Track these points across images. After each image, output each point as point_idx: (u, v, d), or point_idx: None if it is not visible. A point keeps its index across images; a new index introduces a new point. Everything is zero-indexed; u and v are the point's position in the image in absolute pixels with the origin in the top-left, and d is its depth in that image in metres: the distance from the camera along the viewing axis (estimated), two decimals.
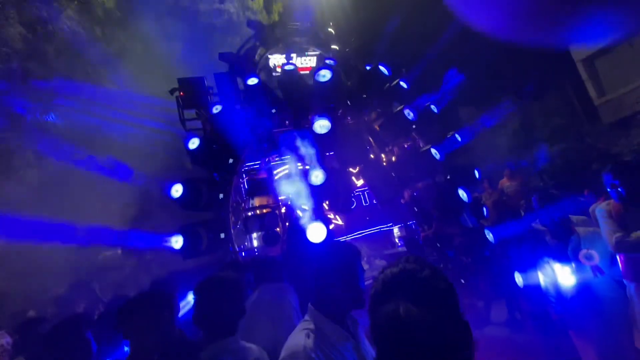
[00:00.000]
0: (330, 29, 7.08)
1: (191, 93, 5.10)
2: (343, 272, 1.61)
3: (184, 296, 3.83)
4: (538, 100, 12.50)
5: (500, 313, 5.09)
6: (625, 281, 2.63)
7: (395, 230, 5.99)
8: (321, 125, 4.41)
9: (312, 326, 1.54)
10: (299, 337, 1.50)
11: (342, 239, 5.22)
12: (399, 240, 6.04)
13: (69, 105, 8.97)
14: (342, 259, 1.64)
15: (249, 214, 4.64)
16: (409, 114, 4.71)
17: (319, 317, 1.58)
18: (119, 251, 15.12)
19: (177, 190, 4.18)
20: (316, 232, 3.85)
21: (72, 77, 8.87)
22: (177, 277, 4.24)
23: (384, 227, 5.75)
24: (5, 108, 7.94)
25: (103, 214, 10.91)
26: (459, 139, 5.26)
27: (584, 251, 3.06)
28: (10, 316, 4.27)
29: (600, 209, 2.77)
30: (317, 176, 4.14)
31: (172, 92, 5.21)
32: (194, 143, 4.53)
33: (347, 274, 1.60)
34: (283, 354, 1.48)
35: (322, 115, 4.45)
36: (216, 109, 4.73)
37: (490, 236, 4.20)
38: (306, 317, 1.63)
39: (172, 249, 4.32)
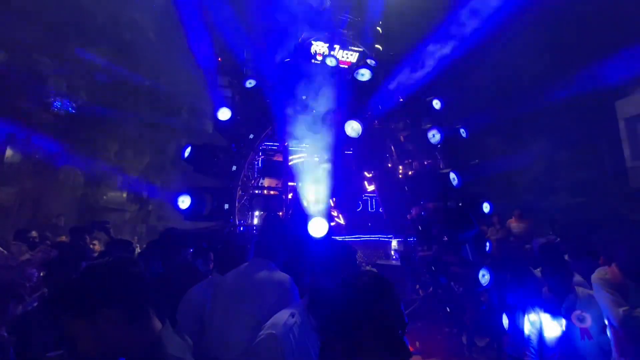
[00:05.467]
0: (378, 28, 6.95)
1: (229, 61, 5.12)
2: (339, 266, 1.68)
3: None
4: (567, 149, 12.14)
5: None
6: (615, 354, 2.58)
7: (394, 243, 5.96)
8: (352, 128, 4.36)
9: (300, 309, 1.61)
10: (284, 315, 1.56)
11: (339, 238, 5.22)
12: (394, 253, 6.00)
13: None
14: (340, 255, 1.75)
15: (257, 192, 4.67)
16: (434, 135, 4.64)
17: None
18: (124, 195, 15.42)
19: (189, 153, 4.21)
20: (317, 227, 3.85)
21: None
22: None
23: (383, 237, 5.73)
24: None
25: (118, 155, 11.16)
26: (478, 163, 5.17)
27: (577, 312, 3.00)
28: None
29: (599, 277, 2.72)
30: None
31: None
32: (223, 113, 4.50)
33: (342, 268, 1.66)
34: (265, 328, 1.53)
35: (356, 117, 4.40)
36: (249, 83, 4.73)
37: (485, 279, 4.12)
38: (301, 301, 1.71)
39: (175, 206, 4.36)
